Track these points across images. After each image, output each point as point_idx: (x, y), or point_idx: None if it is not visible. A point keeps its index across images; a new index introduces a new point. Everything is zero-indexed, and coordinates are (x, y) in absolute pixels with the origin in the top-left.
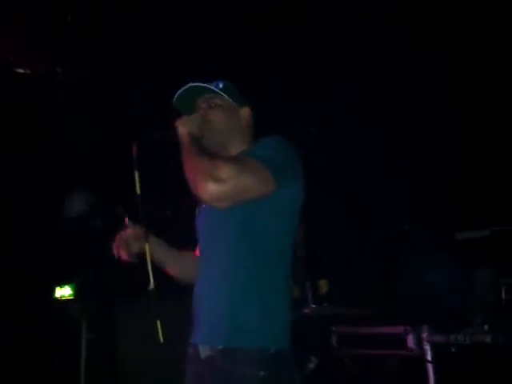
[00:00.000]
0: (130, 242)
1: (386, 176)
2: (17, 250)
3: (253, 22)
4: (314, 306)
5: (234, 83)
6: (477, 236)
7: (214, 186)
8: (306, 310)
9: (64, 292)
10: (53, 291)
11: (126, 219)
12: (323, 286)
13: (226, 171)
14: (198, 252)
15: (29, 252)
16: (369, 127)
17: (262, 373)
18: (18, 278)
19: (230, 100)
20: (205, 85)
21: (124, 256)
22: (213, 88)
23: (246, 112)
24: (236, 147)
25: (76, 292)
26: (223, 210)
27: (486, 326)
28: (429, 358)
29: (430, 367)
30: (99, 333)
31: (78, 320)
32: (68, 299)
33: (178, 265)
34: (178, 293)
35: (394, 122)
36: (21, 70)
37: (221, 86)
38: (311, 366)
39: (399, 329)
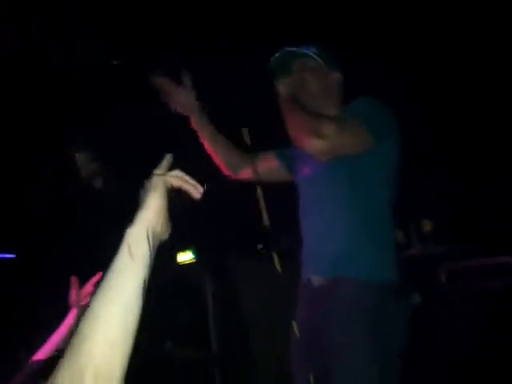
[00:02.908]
0: (181, 96)
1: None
2: None
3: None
4: (419, 246)
5: (326, 48)
6: None
7: (319, 141)
8: (412, 251)
9: (185, 257)
10: (175, 258)
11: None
12: (426, 225)
13: (328, 128)
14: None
15: None
16: None
17: (371, 300)
18: None
19: (323, 64)
20: (300, 49)
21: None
22: (307, 52)
23: (337, 76)
24: (328, 109)
25: (196, 255)
26: (334, 167)
27: None
28: None
29: None
30: (222, 287)
31: (200, 278)
32: (190, 262)
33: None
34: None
35: None
36: None
37: (313, 50)
38: (415, 302)
39: (507, 258)
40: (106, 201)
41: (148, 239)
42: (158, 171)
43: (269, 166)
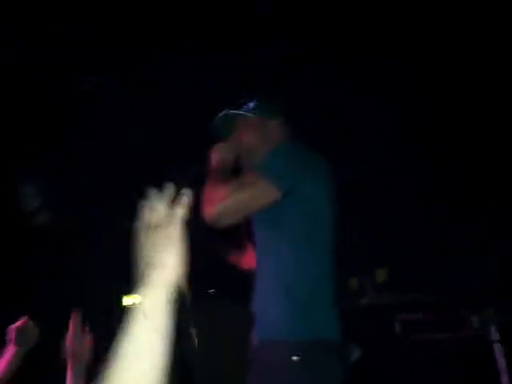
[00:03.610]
0: None
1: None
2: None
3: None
4: (373, 295)
5: (267, 97)
6: None
7: (213, 207)
8: (366, 300)
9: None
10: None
11: None
12: (381, 274)
13: (222, 192)
14: None
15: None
16: None
17: (294, 359)
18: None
19: (259, 117)
20: (235, 111)
21: None
22: (241, 112)
23: (273, 124)
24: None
25: None
26: (256, 221)
27: None
28: (495, 338)
29: (497, 348)
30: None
31: None
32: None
33: None
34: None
35: None
36: None
37: (251, 105)
38: (354, 356)
39: (463, 312)
40: (50, 237)
41: (169, 305)
42: (162, 213)
43: None
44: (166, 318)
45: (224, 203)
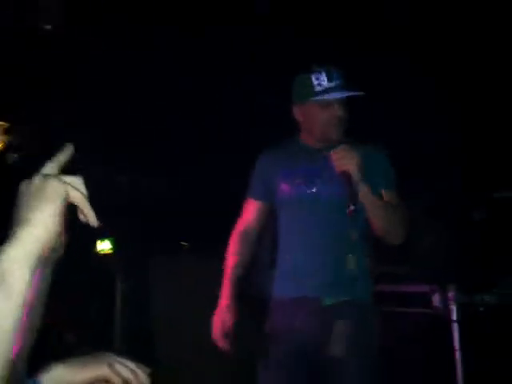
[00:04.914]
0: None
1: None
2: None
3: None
4: None
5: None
6: None
7: (404, 231)
8: None
9: (104, 246)
10: (94, 245)
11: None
12: None
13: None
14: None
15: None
16: None
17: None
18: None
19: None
20: (349, 93)
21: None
22: (353, 94)
23: None
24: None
25: (115, 245)
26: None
27: None
28: (454, 317)
29: (455, 327)
30: (134, 283)
31: (114, 271)
32: (107, 252)
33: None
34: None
35: None
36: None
37: (336, 73)
38: None
39: (425, 288)
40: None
41: (32, 267)
42: (51, 168)
43: (262, 218)
44: (27, 280)
45: (399, 225)
